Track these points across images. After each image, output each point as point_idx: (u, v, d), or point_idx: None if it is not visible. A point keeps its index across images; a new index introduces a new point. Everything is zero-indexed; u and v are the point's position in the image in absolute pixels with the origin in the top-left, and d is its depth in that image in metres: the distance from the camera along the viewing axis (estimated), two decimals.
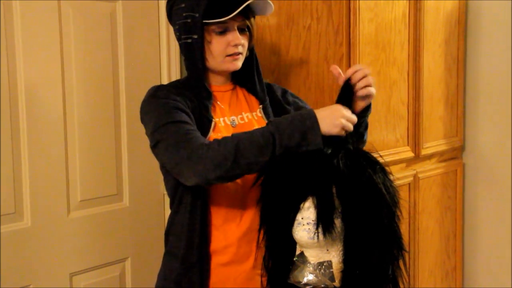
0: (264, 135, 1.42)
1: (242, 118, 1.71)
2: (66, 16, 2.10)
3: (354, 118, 1.50)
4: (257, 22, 2.27)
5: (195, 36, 1.57)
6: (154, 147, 1.55)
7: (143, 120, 1.61)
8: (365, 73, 1.54)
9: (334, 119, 1.45)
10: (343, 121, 1.45)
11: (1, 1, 1.93)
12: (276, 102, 1.79)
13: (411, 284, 2.62)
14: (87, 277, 2.21)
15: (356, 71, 1.54)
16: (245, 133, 1.46)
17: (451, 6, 2.81)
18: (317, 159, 1.47)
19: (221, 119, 1.67)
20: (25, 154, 2.01)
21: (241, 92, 1.76)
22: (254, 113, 1.74)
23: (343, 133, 1.47)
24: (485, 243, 3.04)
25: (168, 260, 1.68)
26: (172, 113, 1.52)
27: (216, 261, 1.64)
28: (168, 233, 1.69)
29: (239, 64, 1.65)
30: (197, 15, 1.56)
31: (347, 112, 1.48)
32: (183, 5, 1.58)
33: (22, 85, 1.99)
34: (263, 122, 1.71)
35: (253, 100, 1.76)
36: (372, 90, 1.56)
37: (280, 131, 1.42)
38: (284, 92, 1.85)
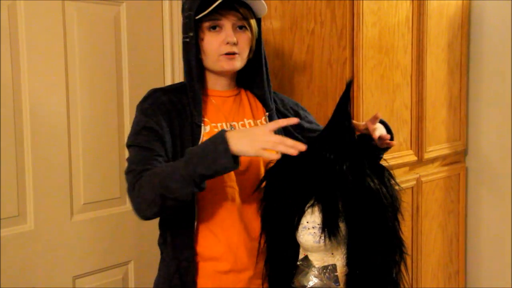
0: (184, 166, 1.40)
1: (243, 125, 1.67)
2: (71, 19, 2.11)
3: (283, 140, 1.37)
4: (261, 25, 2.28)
5: (191, 34, 1.58)
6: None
7: None
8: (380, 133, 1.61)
9: (252, 139, 1.37)
10: (263, 144, 1.36)
11: (6, 3, 1.94)
12: (280, 112, 1.76)
13: (414, 287, 2.62)
14: (90, 280, 2.21)
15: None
16: (168, 166, 1.46)
17: (454, 10, 2.82)
18: (321, 163, 1.47)
19: (218, 124, 1.64)
20: (29, 157, 2.01)
21: (245, 98, 1.73)
22: (258, 121, 1.71)
23: (264, 155, 1.38)
24: (488, 247, 3.04)
25: (163, 262, 1.68)
26: (138, 135, 1.56)
27: (214, 267, 1.62)
28: (162, 238, 1.69)
29: (236, 64, 1.62)
30: (192, 13, 1.57)
31: (270, 137, 1.38)
32: (186, 6, 1.61)
33: (26, 88, 2.00)
34: None
35: (259, 106, 1.73)
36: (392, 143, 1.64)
37: (194, 160, 1.39)
38: (296, 104, 1.83)
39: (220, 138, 1.38)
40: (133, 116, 2.26)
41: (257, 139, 1.37)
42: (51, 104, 2.06)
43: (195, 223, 1.59)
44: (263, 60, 1.70)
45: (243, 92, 1.74)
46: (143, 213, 1.47)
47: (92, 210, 2.21)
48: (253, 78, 1.72)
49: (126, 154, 2.27)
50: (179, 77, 2.42)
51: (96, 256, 2.23)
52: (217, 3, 1.53)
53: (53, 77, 2.07)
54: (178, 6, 2.39)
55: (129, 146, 1.59)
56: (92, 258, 2.22)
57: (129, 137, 1.60)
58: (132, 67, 2.30)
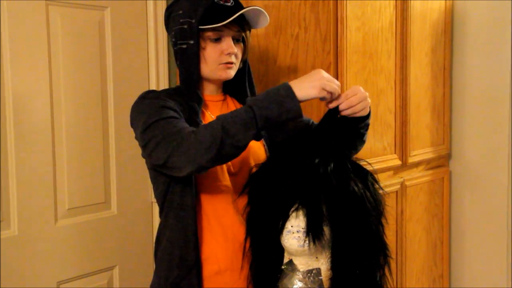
0: (245, 111, 1.41)
1: None
2: (55, 24, 2.10)
3: (335, 81, 1.48)
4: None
5: (191, 42, 1.60)
6: (144, 147, 1.52)
7: (132, 124, 1.60)
8: (350, 104, 1.52)
9: (310, 81, 1.44)
10: (322, 81, 1.44)
11: None
12: None
13: None
14: (75, 285, 2.21)
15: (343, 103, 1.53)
16: (228, 113, 1.44)
17: (438, 16, 2.84)
18: (305, 167, 1.48)
19: None
20: (12, 162, 2.00)
21: (232, 103, 1.76)
22: None
23: (324, 94, 1.45)
24: (471, 251, 3.06)
25: (162, 266, 1.64)
26: (160, 111, 1.51)
27: (211, 268, 1.62)
28: (159, 241, 1.66)
29: (231, 73, 1.67)
30: (193, 21, 1.59)
31: (326, 74, 1.46)
32: (180, 12, 1.61)
33: (10, 92, 1.99)
34: None
35: None
36: (356, 109, 1.53)
37: (258, 105, 1.41)
38: None
39: (283, 86, 1.43)
40: (118, 120, 2.28)
41: (317, 81, 1.44)
42: (35, 108, 2.06)
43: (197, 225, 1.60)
44: (247, 67, 1.76)
45: (228, 98, 1.77)
46: (198, 159, 1.41)
47: (76, 215, 2.20)
48: (238, 85, 1.75)
49: (111, 158, 2.29)
50: (164, 81, 2.42)
51: (80, 261, 2.22)
52: (233, 17, 1.57)
53: (37, 82, 2.06)
54: (162, 12, 2.39)
55: (149, 125, 1.50)
56: (77, 263, 2.21)
57: (148, 118, 1.51)
58: (117, 72, 2.29)
